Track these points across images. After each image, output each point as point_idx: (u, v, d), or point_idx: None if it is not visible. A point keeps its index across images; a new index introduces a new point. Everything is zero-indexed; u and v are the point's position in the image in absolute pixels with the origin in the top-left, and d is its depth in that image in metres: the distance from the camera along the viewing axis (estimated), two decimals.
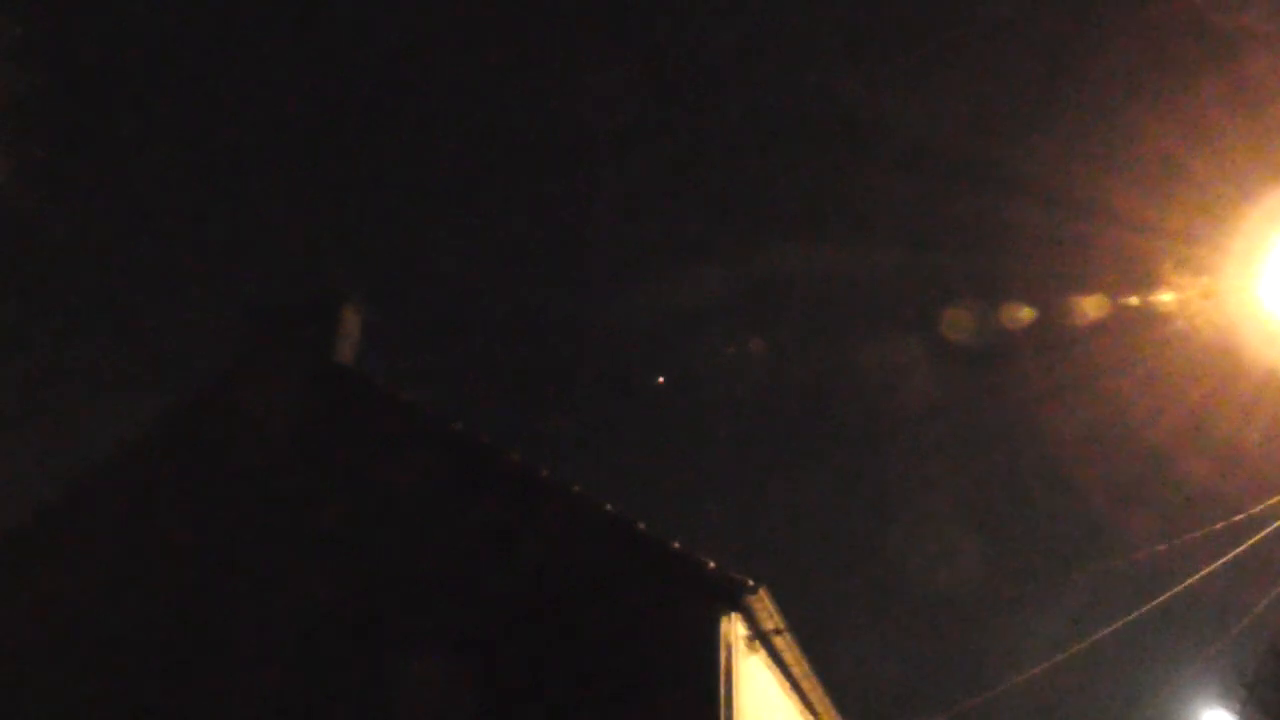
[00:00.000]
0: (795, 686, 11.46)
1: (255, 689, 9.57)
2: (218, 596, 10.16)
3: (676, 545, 9.25)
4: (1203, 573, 11.85)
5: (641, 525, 9.47)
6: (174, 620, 10.16)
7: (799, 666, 10.93)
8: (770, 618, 9.54)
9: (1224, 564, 11.62)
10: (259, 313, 12.07)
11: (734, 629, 9.14)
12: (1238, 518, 11.45)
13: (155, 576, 10.50)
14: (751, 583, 8.89)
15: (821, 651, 11.15)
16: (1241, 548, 11.56)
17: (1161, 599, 12.54)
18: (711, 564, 9.03)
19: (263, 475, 10.75)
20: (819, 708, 12.36)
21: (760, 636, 9.77)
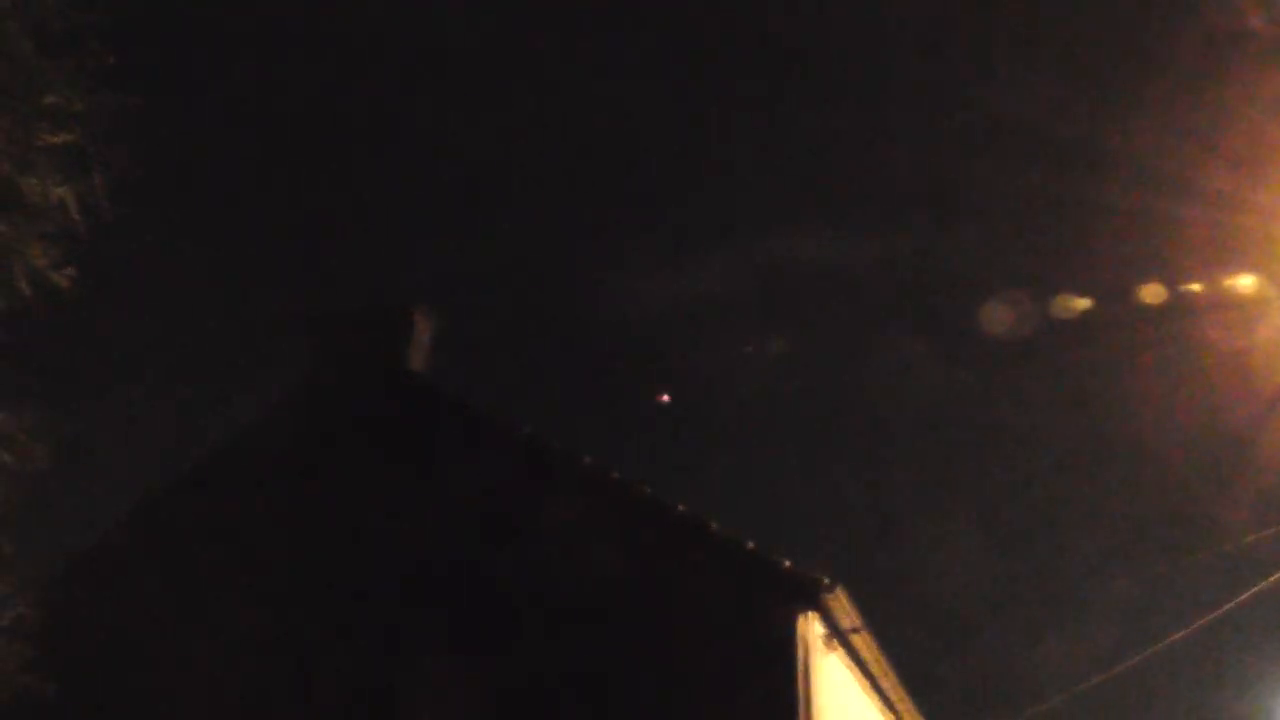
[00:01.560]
0: (874, 685, 11.32)
1: (329, 691, 9.77)
2: (289, 602, 10.36)
3: (751, 545, 9.22)
4: None
5: (715, 525, 9.45)
6: (247, 625, 10.37)
7: (878, 665, 10.80)
8: (847, 616, 9.44)
9: None
10: (329, 320, 12.31)
11: (811, 628, 9.08)
12: None
13: (229, 586, 10.72)
14: (828, 581, 8.82)
15: (900, 650, 10.99)
16: None
17: (1253, 590, 12.11)
18: (787, 563, 8.98)
19: (334, 483, 10.95)
20: (899, 707, 12.20)
21: (838, 635, 9.68)
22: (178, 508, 11.70)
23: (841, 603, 9.12)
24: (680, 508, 9.66)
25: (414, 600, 10.01)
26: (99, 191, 4.98)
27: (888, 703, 11.96)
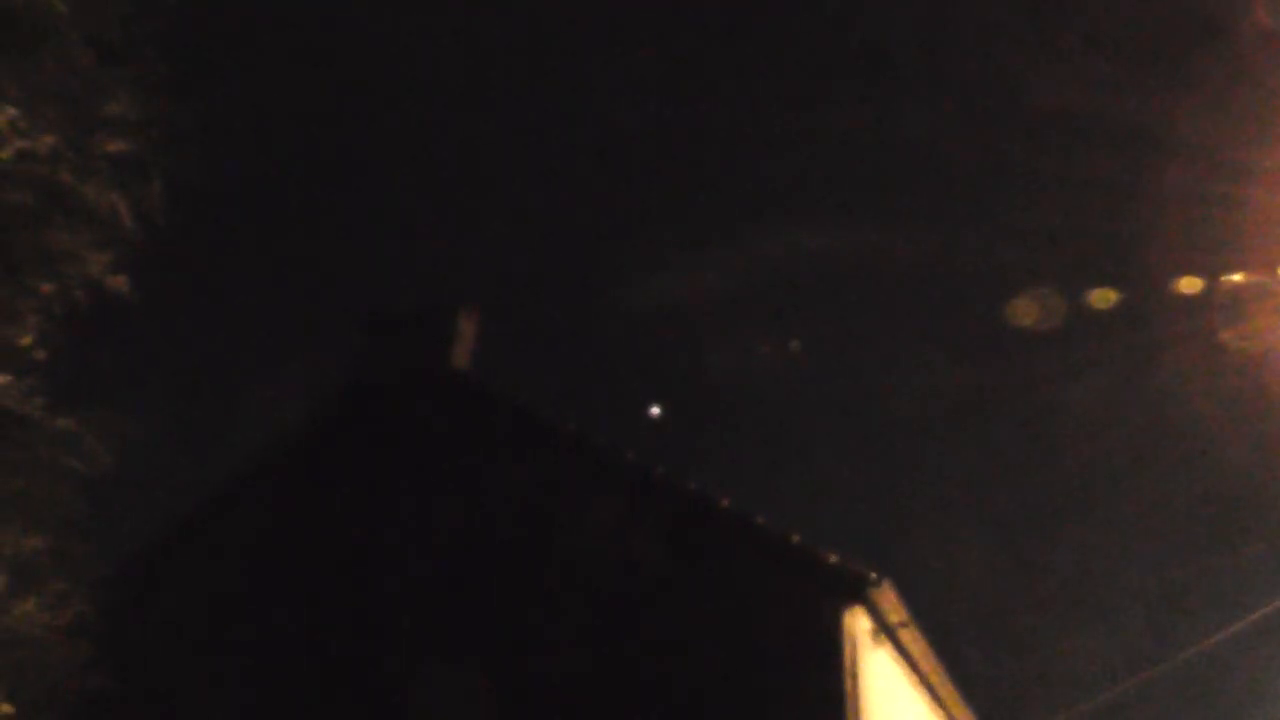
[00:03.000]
0: (923, 680, 11.23)
1: (374, 693, 9.87)
2: (336, 600, 10.47)
3: (796, 539, 9.19)
4: None
5: (760, 520, 9.43)
6: (295, 625, 10.50)
7: (925, 660, 10.71)
8: (895, 610, 9.38)
9: None
10: (376, 321, 12.45)
11: (857, 623, 9.03)
12: None
13: (275, 583, 10.86)
14: (874, 575, 8.76)
15: (950, 645, 10.90)
16: None
17: None
18: (833, 557, 8.94)
19: (382, 484, 11.07)
20: (948, 702, 12.09)
21: (885, 630, 9.62)
22: (225, 508, 11.89)
23: (889, 597, 9.06)
24: (724, 503, 9.65)
25: (459, 598, 10.09)
26: (155, 199, 5.09)
27: (936, 698, 11.85)
